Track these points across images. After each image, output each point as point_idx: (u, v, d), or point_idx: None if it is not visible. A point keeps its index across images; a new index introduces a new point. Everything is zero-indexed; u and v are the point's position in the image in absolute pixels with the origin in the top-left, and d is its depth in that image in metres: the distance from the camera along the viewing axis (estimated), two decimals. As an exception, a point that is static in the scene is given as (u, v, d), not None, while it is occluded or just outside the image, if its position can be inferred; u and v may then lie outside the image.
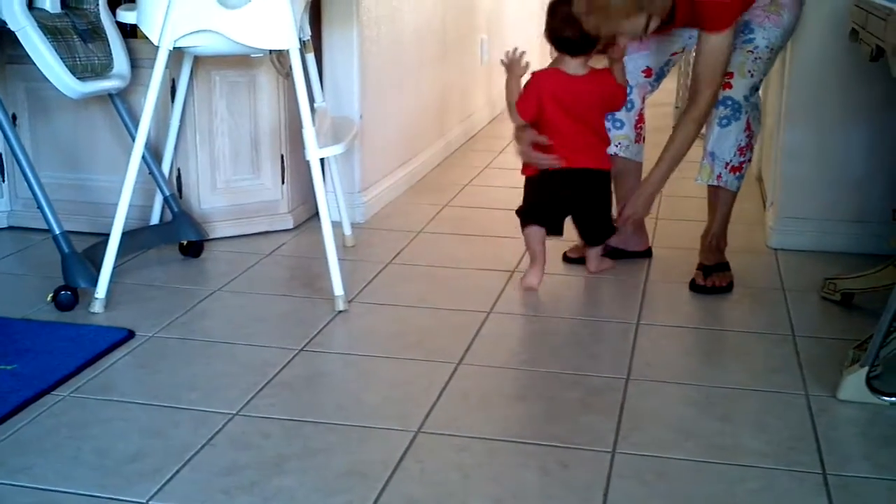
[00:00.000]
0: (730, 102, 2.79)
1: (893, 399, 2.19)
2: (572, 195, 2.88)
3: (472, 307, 2.76)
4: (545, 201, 2.90)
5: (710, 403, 2.21)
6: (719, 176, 2.87)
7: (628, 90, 2.96)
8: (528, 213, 2.91)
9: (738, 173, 2.87)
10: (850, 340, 2.45)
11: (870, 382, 2.21)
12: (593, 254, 3.05)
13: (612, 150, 3.05)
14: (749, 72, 2.79)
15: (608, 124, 3.04)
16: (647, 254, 3.20)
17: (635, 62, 2.99)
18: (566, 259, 3.16)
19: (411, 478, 1.89)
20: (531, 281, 2.90)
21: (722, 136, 2.82)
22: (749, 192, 3.80)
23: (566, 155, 2.83)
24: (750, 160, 2.91)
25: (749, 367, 2.42)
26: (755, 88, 2.83)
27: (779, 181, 3.34)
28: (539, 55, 7.37)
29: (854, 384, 2.21)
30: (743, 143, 2.84)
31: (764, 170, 3.95)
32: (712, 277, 2.90)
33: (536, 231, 2.90)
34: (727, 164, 2.85)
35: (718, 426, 2.11)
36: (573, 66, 2.85)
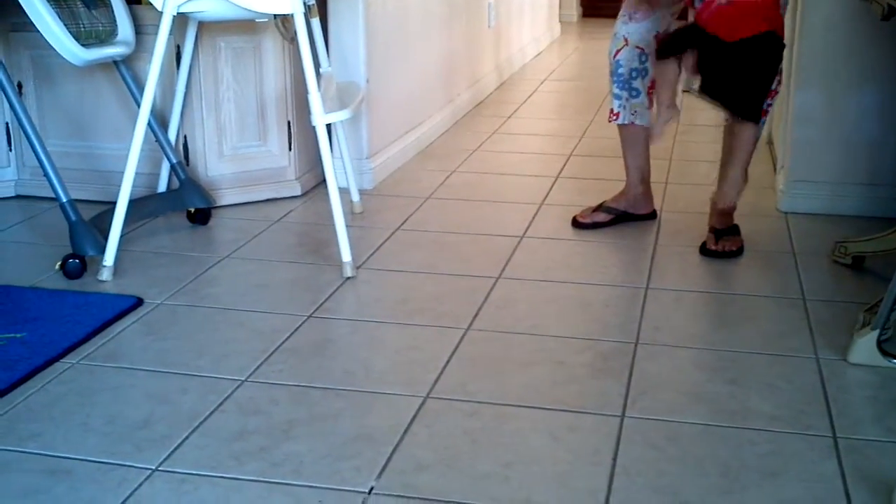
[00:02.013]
0: None
1: (904, 362, 2.19)
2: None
3: (481, 273, 2.75)
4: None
5: (719, 367, 2.21)
6: None
7: (643, 57, 2.94)
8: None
9: (764, 117, 2.87)
10: (861, 303, 2.43)
11: (880, 345, 2.19)
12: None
13: (628, 118, 3.04)
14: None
15: (625, 93, 3.02)
16: (652, 216, 3.18)
17: (647, 27, 2.95)
18: (576, 224, 3.14)
19: (420, 443, 1.89)
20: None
21: None
22: (759, 155, 3.77)
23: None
24: (771, 106, 2.90)
25: (759, 330, 2.40)
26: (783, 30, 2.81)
27: (789, 144, 3.31)
28: (547, 17, 7.33)
29: (865, 347, 2.20)
30: (773, 87, 2.82)
31: (774, 133, 3.92)
32: (723, 241, 2.89)
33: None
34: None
35: (728, 390, 2.10)
36: None
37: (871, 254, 2.75)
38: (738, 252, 2.89)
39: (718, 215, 2.95)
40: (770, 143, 4.05)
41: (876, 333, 2.19)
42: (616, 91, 3.06)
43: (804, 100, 3.22)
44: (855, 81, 3.17)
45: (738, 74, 2.71)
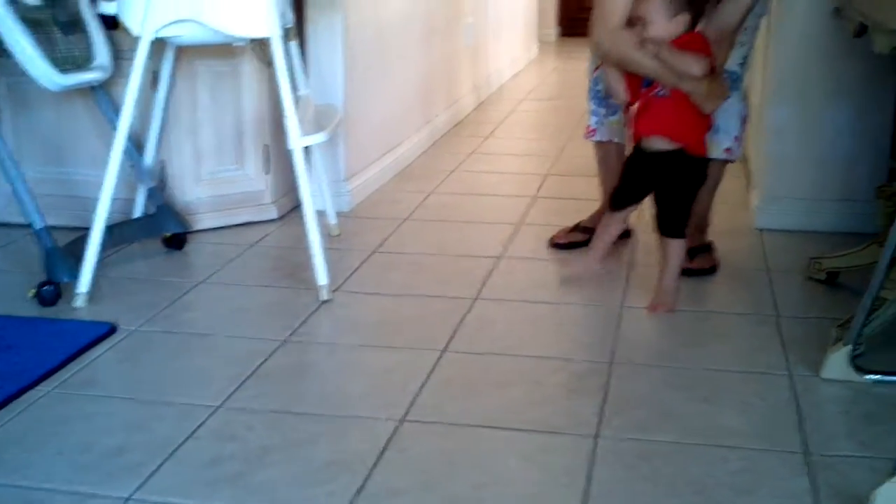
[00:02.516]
0: (727, 74, 2.77)
1: (877, 377, 2.20)
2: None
3: (458, 294, 2.76)
4: None
5: (693, 385, 2.21)
6: (728, 149, 2.87)
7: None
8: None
9: (739, 143, 2.90)
10: (835, 319, 2.45)
11: (853, 361, 2.21)
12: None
13: (606, 135, 3.05)
14: (741, 42, 2.78)
15: (603, 109, 3.03)
16: (627, 235, 3.20)
17: None
18: (553, 245, 3.15)
19: (395, 467, 1.89)
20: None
21: (724, 108, 2.79)
22: (733, 172, 3.79)
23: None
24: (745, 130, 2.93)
25: (732, 348, 2.42)
26: (746, 58, 2.83)
27: (763, 161, 3.33)
28: (525, 37, 7.36)
29: (837, 363, 2.21)
30: (744, 113, 2.85)
31: (748, 149, 3.95)
32: (697, 259, 2.90)
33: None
34: (735, 137, 2.86)
35: (701, 408, 2.11)
36: None
37: (845, 269, 2.77)
38: (713, 270, 2.90)
39: (692, 233, 2.96)
40: (744, 159, 4.07)
41: (849, 349, 2.21)
42: (593, 108, 3.07)
43: (778, 116, 3.25)
44: (828, 98, 3.20)
45: (655, 188, 2.68)
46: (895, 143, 3.10)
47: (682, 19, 2.53)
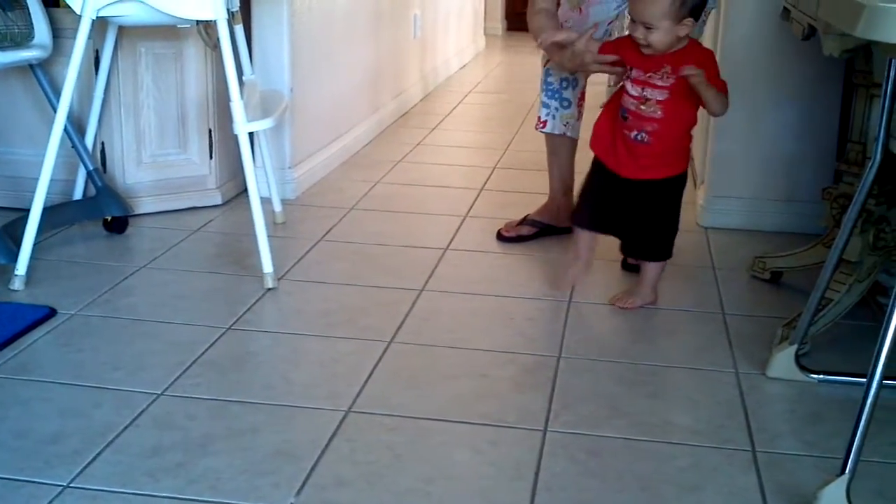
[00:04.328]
0: None
1: (821, 377, 2.22)
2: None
3: (404, 285, 2.73)
4: None
5: (640, 381, 2.21)
6: None
7: None
8: None
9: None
10: (779, 318, 2.47)
11: (798, 360, 2.22)
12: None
13: (559, 129, 3.04)
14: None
15: (555, 103, 3.02)
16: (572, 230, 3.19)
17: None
18: (500, 238, 3.14)
19: (341, 458, 1.86)
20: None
21: None
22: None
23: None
24: None
25: (679, 344, 2.42)
26: None
27: (709, 160, 3.35)
28: (472, 30, 7.35)
29: (783, 362, 2.23)
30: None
31: (694, 148, 3.97)
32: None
33: None
34: None
35: (649, 404, 2.11)
36: None
37: (789, 269, 2.80)
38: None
39: None
40: (690, 158, 4.09)
41: (794, 348, 2.22)
42: (545, 100, 3.06)
43: (724, 116, 3.25)
44: (774, 99, 3.23)
45: (646, 216, 2.59)
46: (841, 145, 3.13)
47: (689, 24, 2.41)
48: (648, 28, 2.39)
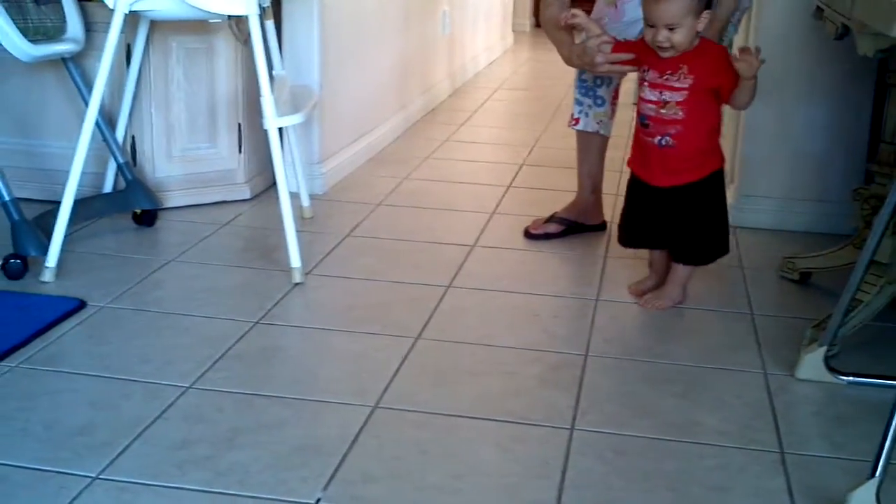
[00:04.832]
0: None
1: (850, 378, 2.20)
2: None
3: (431, 281, 2.73)
4: None
5: (667, 380, 2.21)
6: None
7: None
8: None
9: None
10: (808, 319, 2.45)
11: (827, 362, 2.21)
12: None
13: (592, 126, 3.03)
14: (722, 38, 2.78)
15: (589, 100, 3.01)
16: (601, 227, 3.19)
17: (616, 32, 2.89)
18: (527, 235, 3.14)
19: (368, 453, 1.86)
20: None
21: None
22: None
23: None
24: None
25: (707, 344, 2.41)
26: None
27: (739, 159, 3.33)
28: (500, 26, 7.34)
29: (812, 363, 2.21)
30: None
31: (724, 148, 3.95)
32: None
33: None
34: None
35: (676, 403, 2.10)
36: None
37: (818, 270, 2.78)
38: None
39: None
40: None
41: (823, 350, 2.21)
42: (578, 97, 3.05)
43: (754, 115, 3.24)
44: (804, 98, 3.21)
45: (689, 221, 2.56)
46: (872, 145, 3.10)
47: (707, 16, 2.40)
48: (672, 29, 2.36)
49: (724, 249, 2.62)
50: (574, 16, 2.65)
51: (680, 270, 2.62)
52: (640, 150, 2.55)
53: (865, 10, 2.08)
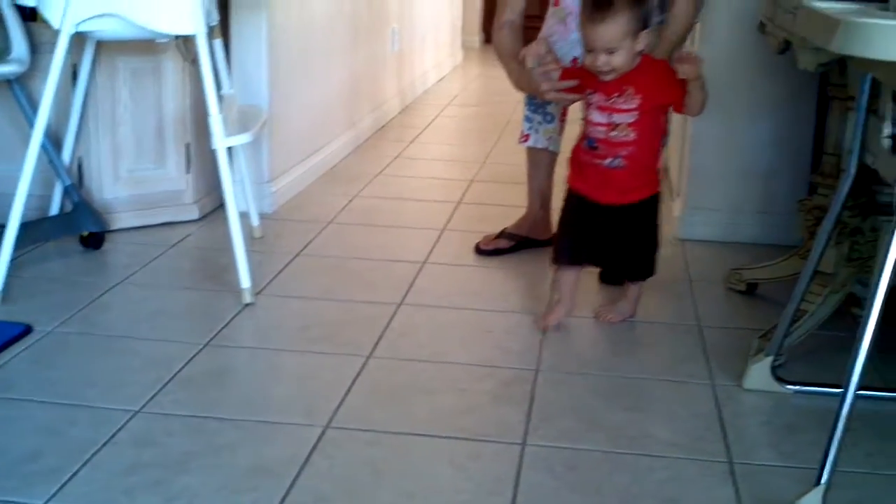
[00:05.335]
0: None
1: (797, 387, 2.23)
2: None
3: (383, 299, 2.73)
4: None
5: (618, 394, 2.22)
6: None
7: None
8: None
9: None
10: (755, 330, 2.48)
11: (774, 371, 2.24)
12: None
13: (542, 143, 3.05)
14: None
15: (539, 117, 3.03)
16: (551, 242, 3.19)
17: (563, 51, 2.89)
18: (478, 251, 3.15)
19: (320, 474, 1.86)
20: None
21: None
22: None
23: None
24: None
25: (657, 357, 2.43)
26: None
27: (686, 172, 3.37)
28: (450, 43, 7.36)
29: (759, 373, 2.24)
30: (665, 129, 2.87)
31: (670, 161, 3.99)
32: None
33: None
34: None
35: (627, 416, 2.12)
36: None
37: (765, 281, 2.81)
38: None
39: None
40: (665, 170, 4.12)
41: (770, 359, 2.24)
42: (528, 114, 3.07)
43: (701, 129, 3.29)
44: (750, 111, 3.25)
45: (629, 239, 2.57)
46: (816, 157, 3.15)
47: (644, 36, 2.37)
48: (611, 52, 2.35)
49: (654, 267, 2.64)
50: (525, 57, 2.63)
51: (632, 288, 2.64)
52: (582, 169, 2.53)
53: (806, 25, 2.11)
